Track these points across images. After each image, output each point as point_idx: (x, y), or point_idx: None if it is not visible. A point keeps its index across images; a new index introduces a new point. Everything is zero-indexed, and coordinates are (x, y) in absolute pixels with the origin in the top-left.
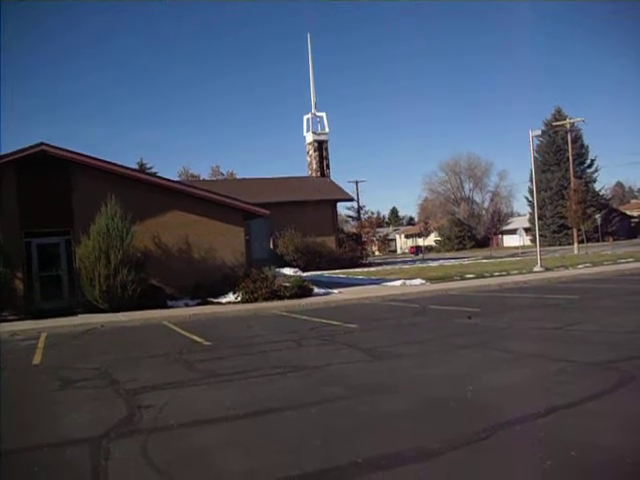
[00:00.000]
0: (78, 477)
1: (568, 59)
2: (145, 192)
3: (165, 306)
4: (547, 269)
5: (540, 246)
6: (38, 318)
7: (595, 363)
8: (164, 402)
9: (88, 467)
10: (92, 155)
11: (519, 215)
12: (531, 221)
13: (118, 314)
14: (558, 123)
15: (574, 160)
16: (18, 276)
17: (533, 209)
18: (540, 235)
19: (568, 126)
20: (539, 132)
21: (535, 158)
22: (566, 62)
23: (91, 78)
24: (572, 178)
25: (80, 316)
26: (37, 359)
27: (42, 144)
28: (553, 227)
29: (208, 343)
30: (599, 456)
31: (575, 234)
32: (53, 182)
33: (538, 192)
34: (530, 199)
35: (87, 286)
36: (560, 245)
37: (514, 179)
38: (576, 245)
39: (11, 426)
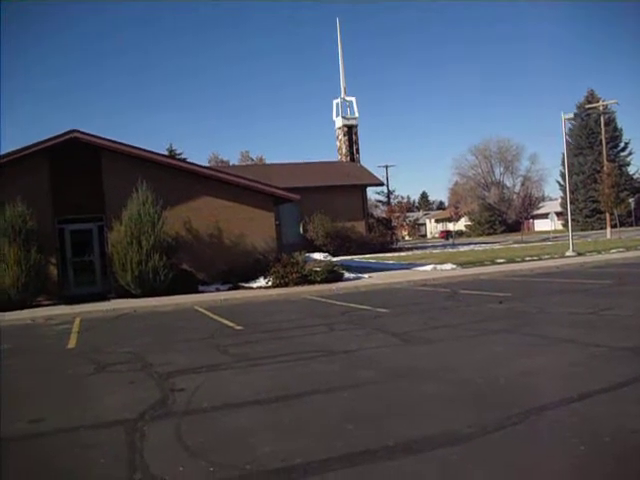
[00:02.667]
0: (115, 458)
1: (601, 40)
2: (175, 178)
3: (196, 291)
4: (579, 254)
5: (572, 231)
6: (72, 303)
7: (629, 348)
8: (197, 385)
9: (124, 448)
10: (122, 141)
11: (550, 199)
12: (563, 205)
13: (150, 299)
14: (591, 106)
15: (607, 143)
16: (52, 262)
17: (565, 193)
18: (572, 219)
19: (601, 108)
20: (571, 115)
21: (567, 141)
22: (599, 43)
23: (118, 64)
24: (605, 161)
25: (113, 301)
26: (72, 343)
27: (73, 131)
28: (585, 211)
29: (239, 327)
30: (633, 442)
31: (608, 218)
32: (85, 169)
33: (570, 176)
34: (562, 183)
35: (119, 271)
36: (593, 230)
37: (545, 163)
38: (609, 229)
39: (48, 409)
